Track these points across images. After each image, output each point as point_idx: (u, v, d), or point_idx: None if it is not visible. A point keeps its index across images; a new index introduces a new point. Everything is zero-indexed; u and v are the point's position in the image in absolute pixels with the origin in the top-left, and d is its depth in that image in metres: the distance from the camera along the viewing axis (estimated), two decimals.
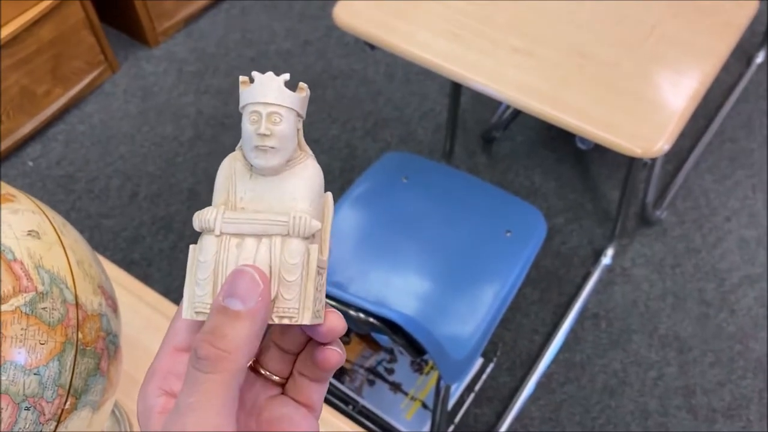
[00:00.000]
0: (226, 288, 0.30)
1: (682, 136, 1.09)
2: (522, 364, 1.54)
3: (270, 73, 0.34)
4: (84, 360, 0.43)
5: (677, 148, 1.65)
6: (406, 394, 1.44)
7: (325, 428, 0.73)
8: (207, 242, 0.32)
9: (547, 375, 1.52)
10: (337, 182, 1.84)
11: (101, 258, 0.86)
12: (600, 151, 1.87)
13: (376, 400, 1.43)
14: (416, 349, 1.00)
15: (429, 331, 0.95)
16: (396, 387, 1.45)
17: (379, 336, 1.24)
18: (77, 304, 0.43)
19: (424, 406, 1.42)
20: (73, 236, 0.46)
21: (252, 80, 0.34)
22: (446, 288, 1.20)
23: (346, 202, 1.31)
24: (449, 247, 1.25)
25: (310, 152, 0.36)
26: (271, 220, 0.32)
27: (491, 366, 1.51)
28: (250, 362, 0.35)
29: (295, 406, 0.34)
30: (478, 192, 1.33)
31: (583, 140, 1.09)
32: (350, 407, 1.43)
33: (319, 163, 0.37)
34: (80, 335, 0.42)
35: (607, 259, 1.69)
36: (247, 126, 0.33)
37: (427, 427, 1.39)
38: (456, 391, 1.46)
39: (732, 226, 1.73)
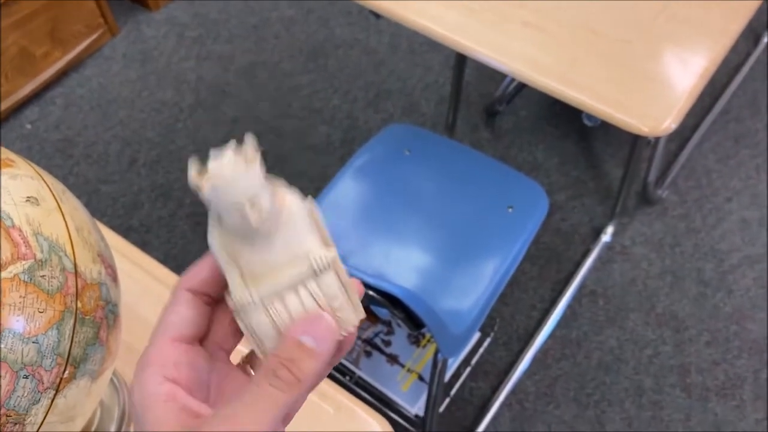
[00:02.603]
0: (303, 327, 0.34)
1: (687, 114, 1.08)
2: (519, 339, 1.55)
3: (229, 157, 0.31)
4: (83, 329, 0.42)
5: (681, 126, 1.63)
6: (402, 366, 1.45)
7: (321, 399, 0.73)
8: (257, 317, 0.34)
9: (543, 350, 1.53)
10: (337, 153, 1.82)
11: (100, 225, 0.85)
12: (603, 128, 1.85)
13: (373, 371, 1.44)
14: (415, 323, 0.99)
15: (428, 305, 0.95)
16: (393, 359, 1.45)
17: (377, 308, 1.24)
18: (76, 273, 0.42)
19: (421, 378, 1.43)
20: (72, 203, 0.45)
21: (203, 168, 0.31)
22: (447, 262, 1.20)
23: (347, 173, 1.30)
24: (451, 221, 1.25)
25: (280, 182, 0.34)
26: (297, 274, 0.34)
27: (488, 340, 1.52)
28: (240, 362, 0.38)
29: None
30: (481, 167, 1.32)
31: (590, 117, 1.08)
32: (347, 378, 1.44)
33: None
34: (79, 304, 0.42)
35: (606, 236, 1.68)
36: (234, 220, 0.32)
37: (423, 399, 1.40)
38: (453, 364, 1.47)
39: (733, 206, 1.73)
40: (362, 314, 0.36)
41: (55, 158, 1.86)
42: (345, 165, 1.31)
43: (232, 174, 0.31)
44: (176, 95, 1.98)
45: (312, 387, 0.35)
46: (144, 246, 1.71)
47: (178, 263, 1.66)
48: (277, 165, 1.83)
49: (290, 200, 0.34)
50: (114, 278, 0.47)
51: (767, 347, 1.51)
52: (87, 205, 1.77)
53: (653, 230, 1.70)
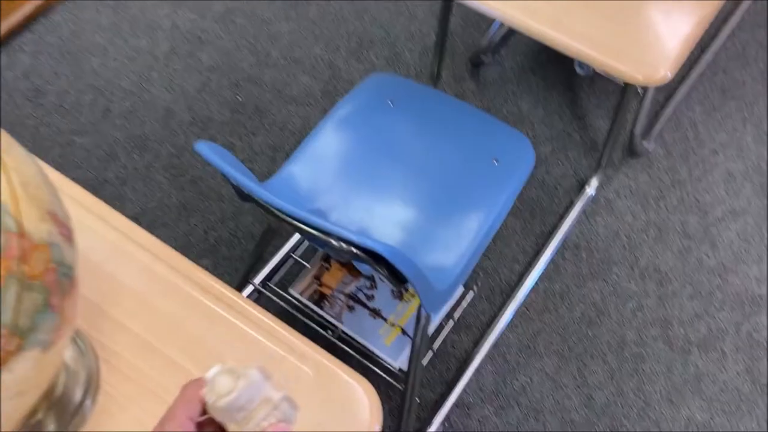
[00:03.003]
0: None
1: None
2: (501, 293, 1.54)
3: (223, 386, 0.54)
4: (30, 295, 0.38)
5: None
6: (385, 320, 1.43)
7: (301, 360, 0.71)
8: None
9: (525, 304, 1.52)
10: (318, 104, 1.77)
11: (69, 180, 0.81)
12: (590, 80, 1.82)
13: (355, 325, 1.43)
14: (398, 279, 0.97)
15: (412, 261, 0.93)
16: (376, 313, 1.44)
17: (360, 264, 1.22)
18: (21, 233, 0.38)
19: (404, 332, 1.42)
20: (19, 156, 0.41)
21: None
22: (431, 216, 1.18)
23: (329, 124, 1.25)
24: (435, 174, 1.22)
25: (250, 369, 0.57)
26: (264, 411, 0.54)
27: (471, 294, 1.51)
28: None
29: None
30: (466, 118, 1.28)
31: (582, 65, 1.04)
32: (329, 333, 1.43)
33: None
34: (25, 268, 0.38)
35: (591, 189, 1.66)
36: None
37: (407, 353, 1.39)
38: (435, 318, 1.46)
39: (719, 159, 1.71)
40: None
41: (26, 108, 1.79)
42: (326, 116, 1.26)
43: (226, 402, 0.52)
44: (150, 43, 1.91)
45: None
46: (119, 199, 1.66)
47: (154, 217, 1.63)
48: (255, 116, 1.78)
49: (253, 375, 0.54)
50: (68, 238, 0.44)
51: (749, 300, 1.51)
52: (60, 157, 1.72)
53: (638, 183, 1.68)
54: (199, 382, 0.52)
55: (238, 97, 1.82)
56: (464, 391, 1.43)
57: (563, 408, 1.40)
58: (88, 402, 0.65)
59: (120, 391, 0.67)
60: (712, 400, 1.40)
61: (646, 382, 1.43)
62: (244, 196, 1.09)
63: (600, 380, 1.43)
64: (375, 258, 0.88)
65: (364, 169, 1.22)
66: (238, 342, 0.71)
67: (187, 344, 0.70)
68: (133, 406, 0.66)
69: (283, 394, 0.53)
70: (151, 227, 1.60)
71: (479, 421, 1.40)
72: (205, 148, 0.96)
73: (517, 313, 1.51)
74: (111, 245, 0.76)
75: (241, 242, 1.62)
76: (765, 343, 1.46)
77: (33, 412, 0.61)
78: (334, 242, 0.85)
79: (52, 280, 0.40)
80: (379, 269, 0.91)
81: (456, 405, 1.41)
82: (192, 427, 0.49)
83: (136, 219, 1.62)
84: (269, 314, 0.74)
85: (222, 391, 0.51)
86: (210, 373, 0.52)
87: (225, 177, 1.02)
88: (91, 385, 0.65)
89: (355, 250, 0.86)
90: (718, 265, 1.56)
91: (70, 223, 0.45)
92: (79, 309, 0.50)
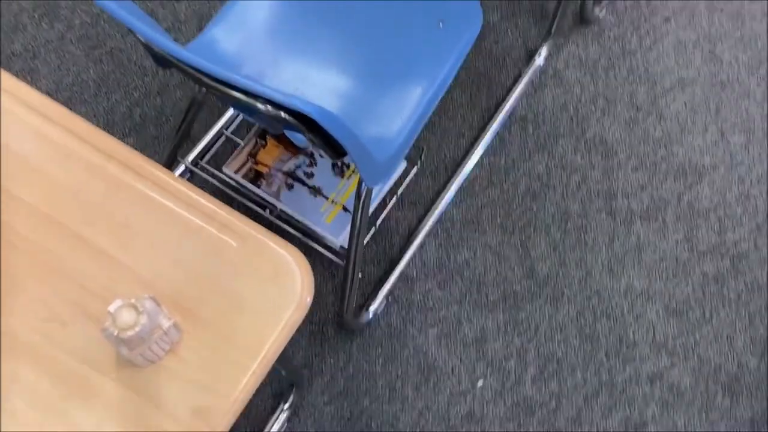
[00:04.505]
0: None
1: None
2: (446, 168, 1.49)
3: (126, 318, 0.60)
4: None
5: None
6: (326, 198, 1.38)
7: (221, 230, 0.65)
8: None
9: (470, 179, 1.48)
10: None
11: None
12: None
13: (295, 204, 1.37)
14: (335, 151, 0.90)
15: (346, 125, 0.86)
16: (316, 191, 1.38)
17: (295, 137, 1.14)
18: None
19: (345, 209, 1.37)
20: None
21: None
22: (370, 84, 1.09)
23: None
24: (375, 38, 1.12)
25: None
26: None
27: (415, 169, 1.46)
28: None
29: None
30: None
31: None
32: (267, 211, 1.37)
33: None
34: None
35: (540, 59, 1.60)
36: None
37: (348, 230, 1.35)
38: (378, 195, 1.41)
39: (671, 27, 1.65)
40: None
41: None
42: None
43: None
44: None
45: None
46: (31, 74, 1.52)
47: (71, 93, 1.49)
48: None
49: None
50: None
51: (691, 170, 1.51)
52: None
53: (588, 53, 1.62)
54: None
55: None
56: (407, 266, 1.41)
57: (506, 280, 1.40)
58: None
59: (24, 271, 0.60)
60: (651, 268, 1.42)
61: (588, 252, 1.43)
62: (163, 62, 0.98)
63: (542, 252, 1.43)
64: (307, 125, 0.81)
65: (296, 32, 1.12)
66: (154, 213, 0.64)
67: (94, 217, 0.63)
68: (38, 289, 0.60)
69: (172, 322, 0.61)
70: (68, 105, 1.47)
71: (423, 294, 1.39)
72: (110, 4, 0.84)
73: (461, 189, 1.47)
74: (27, 126, 0.66)
75: (170, 120, 1.51)
76: (704, 212, 1.47)
77: None
78: (260, 105, 0.77)
79: None
80: (312, 138, 0.84)
81: (399, 280, 1.40)
82: None
83: (50, 96, 1.48)
84: (189, 184, 0.67)
85: (125, 324, 0.57)
86: (112, 307, 0.57)
87: (139, 40, 0.91)
88: None
89: (283, 115, 0.78)
90: (664, 136, 1.54)
91: None
92: None
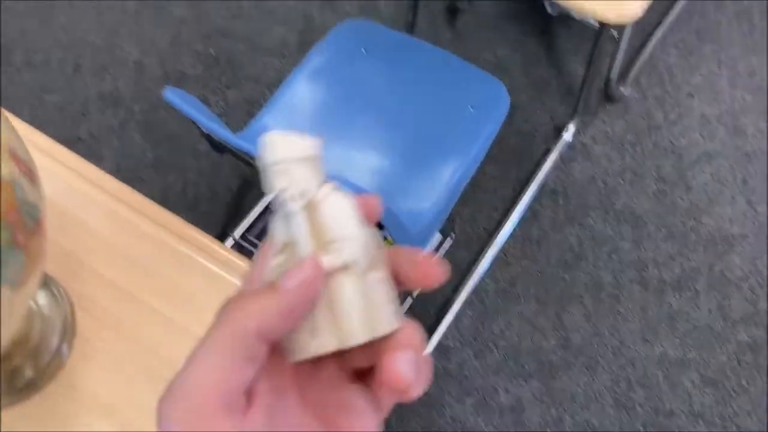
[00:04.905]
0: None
1: (650, 9, 1.04)
2: (479, 240, 1.55)
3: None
4: None
5: (644, 22, 1.59)
6: None
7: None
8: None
9: (503, 250, 1.54)
10: (293, 56, 1.75)
11: (37, 132, 0.80)
12: (566, 25, 1.81)
13: None
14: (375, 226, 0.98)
15: (386, 205, 0.93)
16: None
17: None
18: None
19: None
20: None
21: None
22: (406, 164, 1.18)
23: (302, 74, 1.24)
24: (410, 122, 1.21)
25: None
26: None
27: (449, 241, 1.52)
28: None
29: (365, 399, 0.32)
30: (441, 64, 1.27)
31: (553, 4, 1.03)
32: None
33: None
34: None
35: (567, 135, 1.67)
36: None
37: None
38: None
39: (694, 102, 1.72)
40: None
41: None
42: (298, 66, 1.25)
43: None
44: None
45: (262, 328, 0.29)
46: (94, 157, 1.65)
47: (129, 173, 1.61)
48: (229, 70, 1.75)
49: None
50: (31, 178, 0.43)
51: (721, 240, 1.54)
52: (31, 116, 1.69)
53: (614, 128, 1.69)
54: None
55: (210, 50, 1.79)
56: (444, 335, 1.45)
57: (541, 349, 1.44)
58: (64, 348, 0.65)
59: (97, 336, 0.67)
60: (685, 337, 1.44)
61: (621, 322, 1.46)
62: (219, 147, 1.08)
63: (576, 322, 1.46)
64: None
65: (338, 117, 1.22)
66: (215, 287, 0.72)
67: (164, 291, 0.71)
68: (112, 350, 0.67)
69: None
70: (127, 184, 1.59)
71: (459, 364, 1.43)
72: (174, 97, 0.95)
73: (495, 259, 1.53)
74: (88, 199, 0.76)
75: (220, 198, 1.61)
76: (736, 281, 1.49)
77: (9, 358, 0.62)
78: None
79: (16, 218, 0.40)
80: None
81: (436, 349, 1.44)
82: (248, 368, 0.29)
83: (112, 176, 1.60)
84: (248, 260, 0.75)
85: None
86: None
87: (198, 127, 1.01)
88: (67, 332, 0.66)
89: None
90: (692, 206, 1.59)
91: (32, 164, 0.45)
92: (49, 254, 0.50)
